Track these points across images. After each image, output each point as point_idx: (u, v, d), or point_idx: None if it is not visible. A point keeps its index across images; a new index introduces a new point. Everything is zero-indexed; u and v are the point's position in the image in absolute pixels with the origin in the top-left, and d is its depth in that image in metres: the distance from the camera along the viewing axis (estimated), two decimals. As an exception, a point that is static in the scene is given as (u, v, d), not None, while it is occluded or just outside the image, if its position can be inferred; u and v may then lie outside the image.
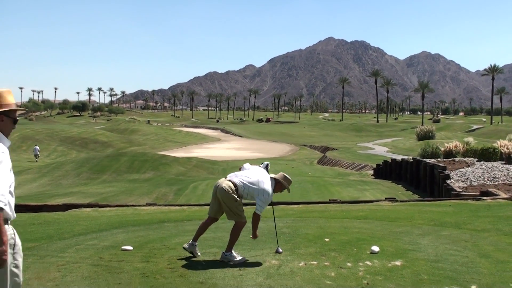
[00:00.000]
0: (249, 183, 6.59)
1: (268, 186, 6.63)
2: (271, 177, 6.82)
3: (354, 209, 13.07)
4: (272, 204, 7.03)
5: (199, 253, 6.76)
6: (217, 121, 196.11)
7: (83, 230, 9.44)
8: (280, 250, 6.90)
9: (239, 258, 6.44)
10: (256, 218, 6.67)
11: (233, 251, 6.52)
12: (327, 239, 7.93)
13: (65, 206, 14.01)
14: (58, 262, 6.43)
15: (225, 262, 6.41)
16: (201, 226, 6.87)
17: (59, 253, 7.07)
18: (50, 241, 8.17)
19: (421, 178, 27.50)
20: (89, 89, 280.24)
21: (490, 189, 18.06)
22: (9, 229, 3.51)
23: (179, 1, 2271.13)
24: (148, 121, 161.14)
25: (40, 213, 12.92)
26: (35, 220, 11.06)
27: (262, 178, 6.67)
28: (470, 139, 35.62)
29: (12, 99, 3.59)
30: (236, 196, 6.48)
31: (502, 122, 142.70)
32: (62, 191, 29.45)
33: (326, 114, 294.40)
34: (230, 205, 6.52)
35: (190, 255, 6.79)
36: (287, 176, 6.90)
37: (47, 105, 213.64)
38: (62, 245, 7.69)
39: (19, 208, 13.68)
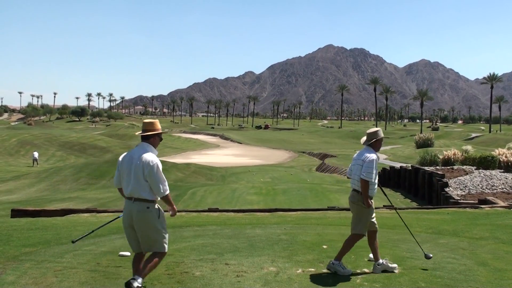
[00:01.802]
0: (357, 175, 6.47)
1: (366, 153, 6.49)
2: (366, 147, 6.65)
3: (352, 217, 13.06)
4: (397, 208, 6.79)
5: (393, 266, 6.51)
6: (212, 127, 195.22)
7: (80, 236, 9.42)
8: (430, 255, 6.76)
9: (345, 270, 6.33)
10: (363, 183, 6.33)
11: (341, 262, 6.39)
12: (325, 246, 7.93)
13: (63, 211, 13.99)
14: (56, 267, 6.41)
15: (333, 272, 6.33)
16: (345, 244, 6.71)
17: (56, 258, 7.05)
18: (48, 246, 8.16)
19: (420, 185, 27.51)
20: (89, 94, 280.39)
21: (489, 197, 18.06)
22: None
23: (179, 7, 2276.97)
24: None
25: (38, 218, 12.89)
26: (32, 225, 11.04)
27: (361, 156, 6.53)
28: (469, 147, 35.67)
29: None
30: (363, 204, 6.40)
31: (500, 131, 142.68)
32: (60, 196, 29.39)
33: (325, 121, 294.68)
34: (359, 215, 6.50)
35: (188, 261, 6.78)
36: (371, 130, 6.70)
37: (46, 110, 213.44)
38: (60, 250, 7.68)
39: (16, 213, 13.66)
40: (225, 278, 5.97)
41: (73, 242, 6.38)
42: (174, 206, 5.52)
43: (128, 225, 5.40)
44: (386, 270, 6.35)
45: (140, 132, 5.63)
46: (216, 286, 5.63)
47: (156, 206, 5.41)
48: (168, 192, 5.38)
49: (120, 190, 5.67)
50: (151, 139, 5.57)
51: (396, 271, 6.38)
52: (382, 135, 6.66)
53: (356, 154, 6.75)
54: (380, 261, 6.45)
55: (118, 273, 6.16)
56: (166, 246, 5.42)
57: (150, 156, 5.37)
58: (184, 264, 6.66)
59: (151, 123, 5.60)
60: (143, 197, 5.28)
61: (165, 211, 5.68)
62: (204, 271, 6.27)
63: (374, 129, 6.72)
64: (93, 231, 6.49)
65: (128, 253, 7.28)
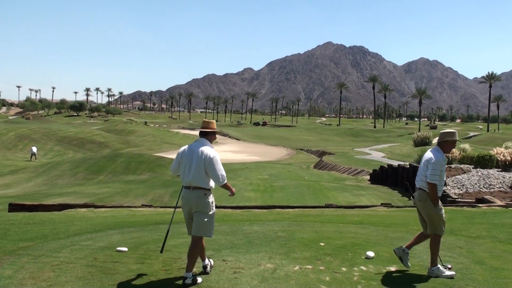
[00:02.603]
0: (423, 175, 6.43)
1: (432, 155, 6.42)
2: (435, 146, 6.58)
3: (349, 214, 13.09)
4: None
5: (409, 264, 6.48)
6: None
7: (78, 231, 9.41)
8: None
9: (447, 273, 6.22)
10: (430, 186, 6.28)
11: (439, 265, 6.29)
12: (322, 244, 7.93)
13: (60, 206, 13.99)
14: (53, 262, 6.41)
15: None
16: (416, 236, 6.69)
17: (53, 253, 7.05)
18: (45, 241, 8.15)
19: (417, 184, 27.50)
20: (87, 89, 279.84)
21: (486, 196, 18.10)
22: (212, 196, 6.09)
23: (179, 3, 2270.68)
24: (145, 122, 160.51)
25: (35, 212, 12.89)
26: (30, 219, 11.03)
27: (427, 157, 6.50)
28: (467, 146, 35.67)
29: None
30: (430, 202, 6.34)
31: (498, 130, 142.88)
32: (57, 191, 29.38)
33: (324, 119, 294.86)
34: (427, 214, 6.42)
35: (184, 257, 6.79)
36: (445, 130, 6.61)
37: (44, 104, 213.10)
38: (57, 245, 7.67)
39: (14, 207, 13.65)
40: (222, 274, 5.97)
41: (161, 252, 6.35)
42: (233, 190, 6.25)
43: (186, 211, 6.05)
44: (439, 276, 6.21)
45: (200, 129, 6.36)
46: (213, 282, 5.64)
47: (212, 195, 6.10)
48: (226, 180, 6.06)
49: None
50: (209, 136, 6.25)
51: (450, 276, 6.21)
52: (454, 138, 6.51)
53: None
54: (438, 267, 6.33)
55: (115, 269, 6.16)
56: (212, 232, 6.11)
57: (210, 150, 6.04)
58: (181, 260, 6.66)
59: (210, 122, 6.31)
60: (201, 186, 5.90)
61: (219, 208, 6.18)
62: (201, 267, 6.27)
63: (449, 130, 6.64)
64: (168, 232, 6.50)
65: (125, 249, 7.27)
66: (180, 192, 6.13)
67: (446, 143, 6.52)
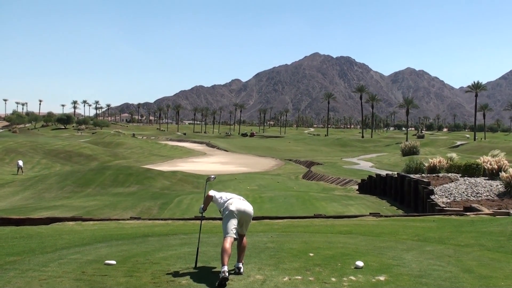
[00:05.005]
0: None
1: None
2: None
3: (338, 224, 13.10)
4: None
5: None
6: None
7: (66, 244, 9.33)
8: None
9: None
10: None
11: None
12: (311, 254, 7.93)
13: (48, 220, 13.88)
14: (40, 277, 6.35)
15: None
16: None
17: (41, 267, 6.98)
18: (33, 255, 8.07)
19: (406, 193, 27.64)
20: (74, 102, 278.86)
21: (474, 205, 18.20)
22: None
23: (166, 14, 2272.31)
24: (133, 134, 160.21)
25: (22, 226, 12.77)
26: (17, 233, 10.92)
27: None
28: (454, 155, 35.88)
29: None
30: None
31: (485, 138, 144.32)
32: (45, 204, 29.12)
33: (312, 129, 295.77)
34: None
35: (174, 269, 6.76)
36: None
37: (31, 117, 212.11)
38: (45, 259, 7.60)
39: (0, 222, 13.51)
40: (211, 286, 5.95)
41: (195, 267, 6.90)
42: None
43: (239, 217, 6.89)
44: None
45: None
46: (203, 295, 5.61)
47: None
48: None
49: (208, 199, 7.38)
50: None
51: None
52: None
53: None
54: None
55: (103, 282, 6.11)
56: None
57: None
58: (170, 272, 6.63)
59: None
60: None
61: None
62: (190, 279, 6.24)
63: None
64: (198, 248, 7.30)
65: (113, 262, 7.22)
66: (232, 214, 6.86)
67: None
